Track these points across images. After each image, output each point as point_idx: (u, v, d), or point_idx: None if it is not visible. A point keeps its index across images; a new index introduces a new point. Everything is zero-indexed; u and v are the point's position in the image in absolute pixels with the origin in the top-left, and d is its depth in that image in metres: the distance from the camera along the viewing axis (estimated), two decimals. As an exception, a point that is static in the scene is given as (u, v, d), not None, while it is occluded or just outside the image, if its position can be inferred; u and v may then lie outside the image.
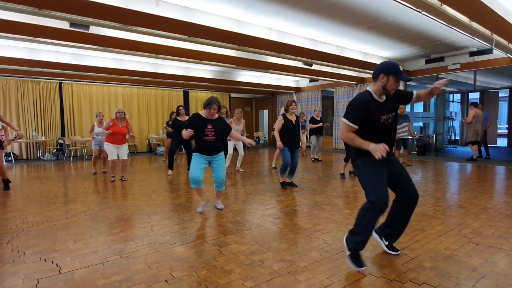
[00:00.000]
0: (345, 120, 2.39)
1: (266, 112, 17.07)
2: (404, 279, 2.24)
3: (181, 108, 6.98)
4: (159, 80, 10.96)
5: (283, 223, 3.52)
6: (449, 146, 13.77)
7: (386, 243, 2.68)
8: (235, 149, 7.29)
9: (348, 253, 2.44)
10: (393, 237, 2.66)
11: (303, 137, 9.12)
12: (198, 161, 3.80)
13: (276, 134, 5.14)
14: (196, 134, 3.70)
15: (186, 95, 13.79)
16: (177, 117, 6.96)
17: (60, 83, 10.68)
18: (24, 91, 10.05)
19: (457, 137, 15.06)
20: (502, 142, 14.49)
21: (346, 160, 6.20)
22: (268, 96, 16.32)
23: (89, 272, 2.39)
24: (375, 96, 2.42)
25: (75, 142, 10.59)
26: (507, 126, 15.67)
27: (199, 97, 14.19)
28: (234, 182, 6.02)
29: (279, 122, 5.13)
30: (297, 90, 14.63)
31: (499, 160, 8.91)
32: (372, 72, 9.40)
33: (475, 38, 6.24)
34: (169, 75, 10.31)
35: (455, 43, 8.22)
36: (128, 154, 6.19)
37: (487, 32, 5.83)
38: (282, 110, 5.30)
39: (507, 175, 6.55)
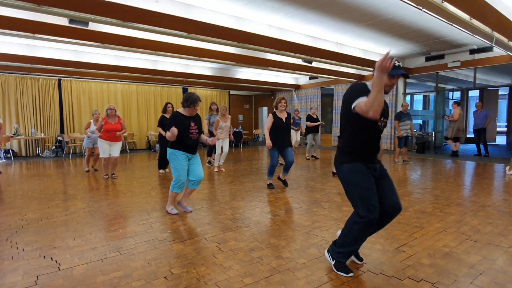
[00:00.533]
0: (357, 101, 2.05)
1: (265, 109, 17.06)
2: (403, 276, 2.25)
3: (169, 105, 6.75)
4: (158, 77, 10.93)
5: (282, 220, 3.52)
6: (447, 144, 13.77)
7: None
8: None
9: (332, 262, 2.35)
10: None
11: (294, 134, 9.12)
12: (183, 161, 3.65)
13: (266, 132, 5.06)
14: (180, 132, 3.56)
15: (185, 92, 13.75)
16: (164, 115, 6.60)
17: (59, 80, 10.65)
18: (23, 88, 10.02)
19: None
20: (501, 140, 14.51)
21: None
22: (267, 94, 16.29)
23: (88, 269, 2.39)
24: None
25: (74, 139, 10.57)
26: (506, 124, 15.68)
27: (198, 94, 14.15)
28: (233, 179, 6.02)
29: (269, 121, 5.03)
30: (297, 87, 14.61)
31: (498, 157, 8.92)
32: (372, 69, 9.36)
33: (475, 36, 6.22)
34: (168, 72, 10.29)
35: (455, 40, 8.19)
36: (119, 152, 6.21)
37: (487, 29, 5.82)
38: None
39: (499, 172, 6.56)
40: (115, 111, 6.07)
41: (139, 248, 2.77)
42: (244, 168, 7.38)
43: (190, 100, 3.63)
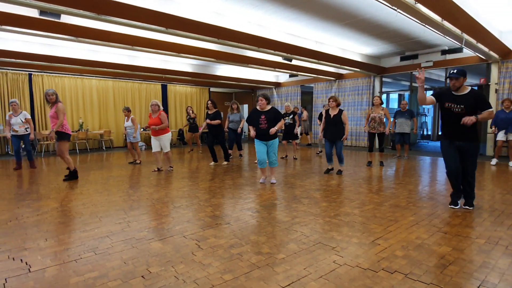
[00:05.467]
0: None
1: (246, 107, 17.04)
2: (378, 268, 2.32)
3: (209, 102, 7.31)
4: (135, 72, 10.67)
5: (262, 217, 3.54)
6: (422, 141, 14.33)
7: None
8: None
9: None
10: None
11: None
12: (258, 144, 5.14)
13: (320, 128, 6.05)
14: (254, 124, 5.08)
15: (164, 89, 13.50)
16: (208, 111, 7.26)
17: (30, 75, 10.16)
18: (-10, 83, 9.49)
19: (429, 132, 15.69)
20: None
21: (371, 150, 7.08)
22: (248, 91, 16.29)
23: (61, 270, 2.31)
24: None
25: (46, 137, 10.13)
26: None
27: (177, 91, 13.94)
28: (213, 176, 5.99)
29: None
30: (277, 85, 14.69)
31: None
32: (350, 68, 9.56)
33: (447, 37, 6.49)
34: (146, 67, 10.05)
35: (428, 41, 8.51)
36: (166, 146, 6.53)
37: (457, 31, 6.08)
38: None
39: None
40: (158, 107, 6.39)
41: (116, 248, 2.70)
42: (224, 165, 7.35)
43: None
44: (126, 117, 7.72)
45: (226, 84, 14.03)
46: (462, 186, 3.76)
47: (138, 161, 7.75)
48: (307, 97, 14.59)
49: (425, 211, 3.72)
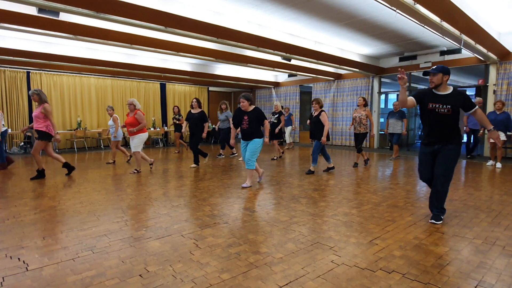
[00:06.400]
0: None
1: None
2: (375, 267, 2.33)
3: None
4: (134, 71, 10.63)
5: (260, 216, 3.54)
6: (420, 141, 14.34)
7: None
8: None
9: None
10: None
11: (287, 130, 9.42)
12: (242, 144, 5.10)
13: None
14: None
15: (163, 88, 13.47)
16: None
17: (28, 73, 10.11)
18: (-13, 80, 9.44)
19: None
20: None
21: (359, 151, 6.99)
22: (247, 90, 16.27)
23: (58, 269, 2.30)
24: None
25: (22, 131, 10.07)
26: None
27: (176, 90, 13.91)
28: (212, 176, 5.98)
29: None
30: (276, 84, 14.69)
31: (463, 154, 9.39)
32: (348, 68, 9.55)
33: (445, 38, 6.50)
34: (145, 66, 10.03)
35: (427, 42, 8.53)
36: (134, 147, 6.24)
37: (456, 32, 6.09)
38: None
39: (471, 168, 6.93)
40: (134, 106, 6.18)
41: (113, 247, 2.69)
42: (222, 165, 7.35)
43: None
44: (110, 116, 7.59)
45: (225, 84, 14.02)
46: (430, 195, 3.41)
47: (111, 161, 7.61)
48: (306, 97, 14.60)
49: (422, 211, 3.73)
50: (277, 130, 8.15)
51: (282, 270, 2.29)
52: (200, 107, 7.07)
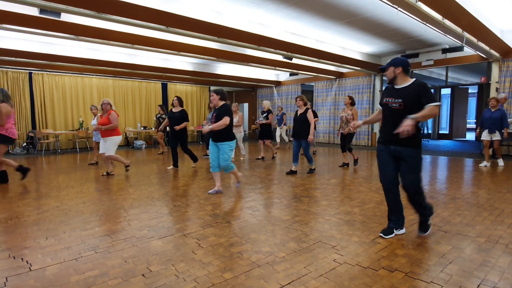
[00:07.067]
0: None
1: (246, 105, 17.03)
2: (378, 266, 2.33)
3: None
4: (136, 71, 10.66)
5: (262, 215, 3.54)
6: (423, 139, 14.33)
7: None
8: None
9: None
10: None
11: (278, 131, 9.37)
12: (210, 145, 4.58)
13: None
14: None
15: (164, 88, 13.49)
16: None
17: (30, 73, 10.16)
18: (-10, 81, 9.49)
19: (429, 131, 15.68)
20: (470, 136, 15.23)
21: (344, 151, 6.81)
22: (248, 90, 16.27)
23: (61, 269, 2.31)
24: None
25: (47, 135, 10.14)
26: (475, 120, 16.46)
27: (177, 90, 13.92)
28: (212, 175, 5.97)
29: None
30: (277, 83, 14.68)
31: (467, 152, 9.37)
32: (350, 67, 9.50)
33: (447, 35, 6.48)
34: (146, 66, 10.05)
35: (429, 40, 8.49)
36: (104, 149, 5.96)
37: (458, 29, 6.07)
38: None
39: (474, 167, 6.90)
40: (110, 106, 5.97)
41: (116, 246, 2.70)
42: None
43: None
44: (93, 115, 7.32)
45: (226, 83, 14.02)
46: (411, 205, 2.91)
47: (93, 162, 7.47)
48: (307, 95, 14.41)
49: (425, 210, 3.72)
50: (260, 122, 8.27)
51: (284, 269, 2.29)
52: (181, 105, 6.65)
